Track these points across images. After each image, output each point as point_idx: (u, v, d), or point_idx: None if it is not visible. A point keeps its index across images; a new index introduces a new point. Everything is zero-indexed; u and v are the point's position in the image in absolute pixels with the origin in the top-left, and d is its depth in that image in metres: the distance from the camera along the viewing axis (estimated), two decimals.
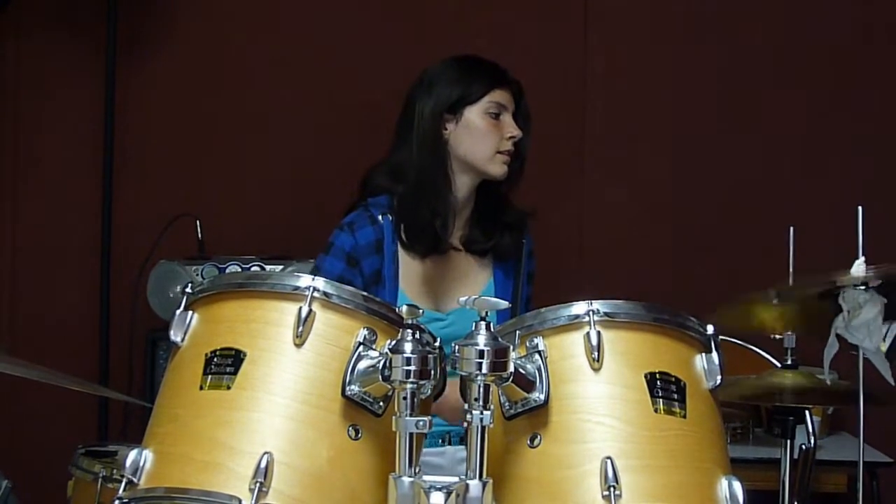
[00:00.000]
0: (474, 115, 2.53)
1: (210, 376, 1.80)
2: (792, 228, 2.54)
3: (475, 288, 2.58)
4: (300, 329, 1.79)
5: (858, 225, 2.34)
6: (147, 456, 1.79)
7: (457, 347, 1.72)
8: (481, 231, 2.60)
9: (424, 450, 1.99)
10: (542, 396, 1.78)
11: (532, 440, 1.80)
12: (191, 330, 1.87)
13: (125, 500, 1.77)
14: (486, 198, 2.60)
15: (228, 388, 1.78)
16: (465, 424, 1.71)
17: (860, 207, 2.35)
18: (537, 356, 1.81)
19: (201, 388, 1.80)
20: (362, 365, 1.78)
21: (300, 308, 1.80)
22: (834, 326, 2.32)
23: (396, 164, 2.55)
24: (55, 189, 3.98)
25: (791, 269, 2.53)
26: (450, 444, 2.50)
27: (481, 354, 1.69)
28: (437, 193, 2.51)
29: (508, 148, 2.53)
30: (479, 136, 2.52)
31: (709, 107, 4.00)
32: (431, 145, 2.52)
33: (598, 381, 1.81)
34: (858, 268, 2.29)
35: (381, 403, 1.78)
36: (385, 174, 2.56)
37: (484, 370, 1.69)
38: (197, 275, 3.51)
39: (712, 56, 4.00)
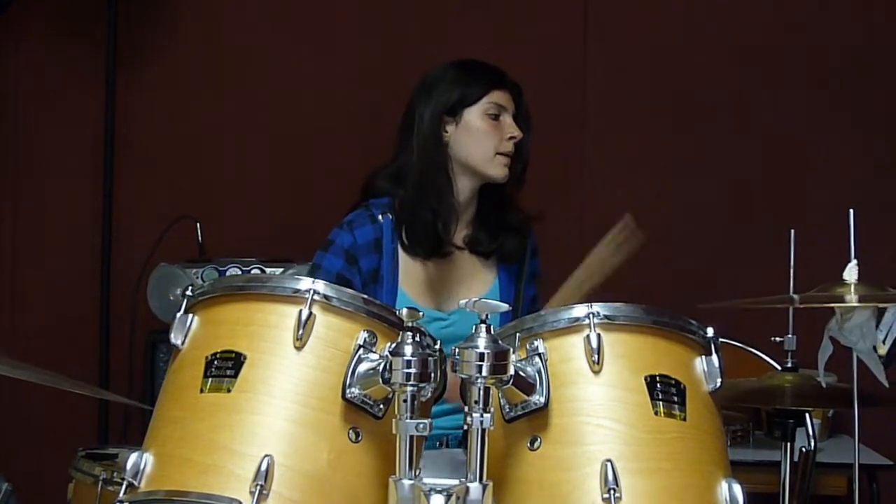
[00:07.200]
0: (473, 116, 2.53)
1: (210, 379, 1.80)
2: (793, 231, 2.54)
3: (479, 289, 2.58)
4: (300, 332, 1.79)
5: (850, 228, 2.34)
6: (147, 459, 1.79)
7: (457, 350, 1.72)
8: (486, 233, 2.59)
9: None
10: (542, 399, 1.78)
11: (532, 443, 1.80)
12: (191, 333, 1.87)
13: (125, 503, 1.77)
14: (489, 200, 2.59)
15: (229, 390, 1.78)
16: (466, 427, 1.71)
17: (851, 211, 2.35)
18: (537, 359, 1.81)
19: (202, 390, 1.80)
20: (362, 367, 1.78)
21: (300, 311, 1.80)
22: (827, 329, 2.32)
23: (398, 168, 2.55)
24: (56, 191, 3.98)
25: (792, 272, 2.53)
26: (447, 446, 2.50)
27: (481, 357, 1.69)
28: (438, 196, 2.51)
29: (509, 149, 2.53)
30: (479, 138, 2.52)
31: (709, 107, 3.99)
32: (432, 148, 2.52)
33: (598, 383, 1.81)
34: (851, 271, 2.29)
35: (382, 406, 1.78)
36: (387, 178, 2.56)
37: (484, 373, 1.69)
38: (197, 277, 3.50)
39: (712, 56, 4.00)
